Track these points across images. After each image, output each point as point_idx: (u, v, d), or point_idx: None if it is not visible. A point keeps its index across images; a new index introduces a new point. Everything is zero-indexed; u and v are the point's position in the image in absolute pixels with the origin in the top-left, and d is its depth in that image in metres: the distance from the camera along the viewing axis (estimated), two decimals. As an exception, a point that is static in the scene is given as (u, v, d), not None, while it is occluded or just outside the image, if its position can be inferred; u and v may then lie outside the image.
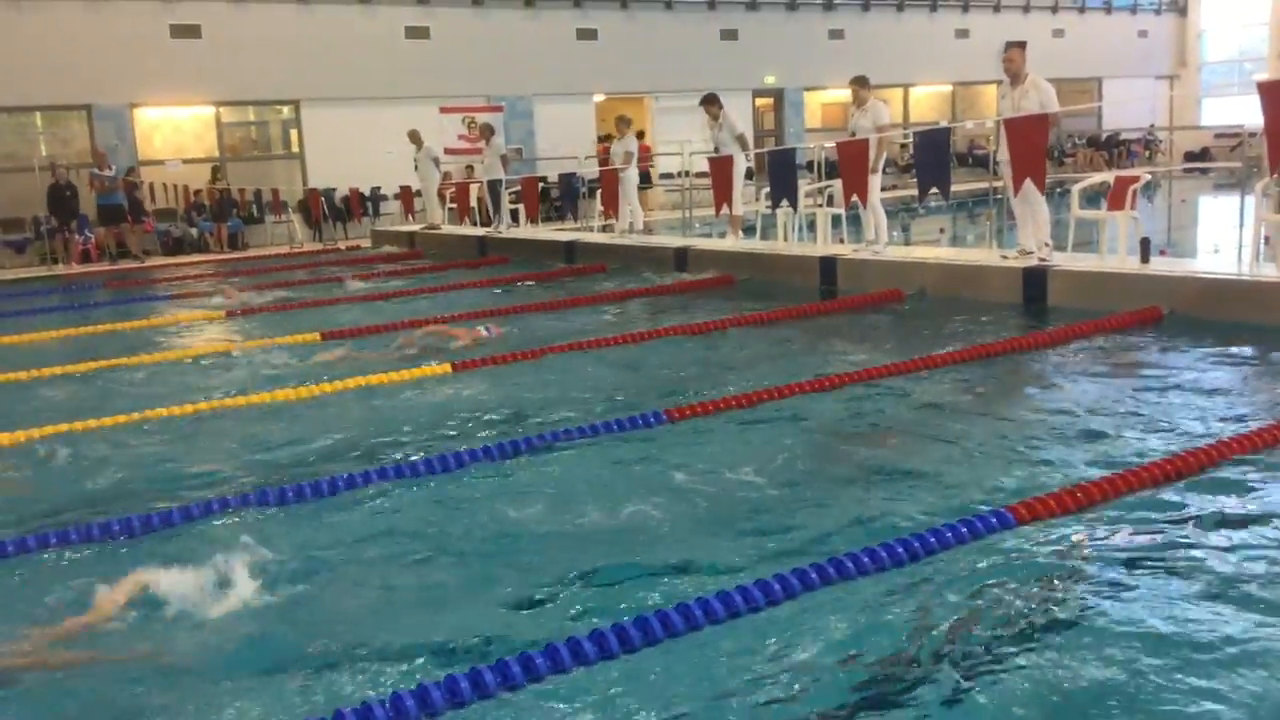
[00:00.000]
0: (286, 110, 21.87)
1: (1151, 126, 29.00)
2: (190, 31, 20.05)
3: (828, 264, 10.68)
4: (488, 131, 17.43)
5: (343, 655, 3.30)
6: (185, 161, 20.64)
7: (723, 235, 13.80)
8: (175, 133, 21.18)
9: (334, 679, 3.15)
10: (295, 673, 3.21)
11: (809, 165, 19.95)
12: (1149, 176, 9.97)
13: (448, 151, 20.67)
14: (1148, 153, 28.96)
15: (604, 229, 16.37)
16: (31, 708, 3.14)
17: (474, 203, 19.25)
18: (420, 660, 3.25)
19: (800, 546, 3.96)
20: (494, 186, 17.26)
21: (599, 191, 16.80)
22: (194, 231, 20.32)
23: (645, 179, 20.95)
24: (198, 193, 20.46)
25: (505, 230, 17.16)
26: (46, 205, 18.58)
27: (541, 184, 18.55)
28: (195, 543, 4.32)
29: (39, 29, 18.79)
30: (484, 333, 8.84)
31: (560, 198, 19.07)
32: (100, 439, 6.14)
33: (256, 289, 13.58)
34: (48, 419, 6.48)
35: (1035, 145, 8.78)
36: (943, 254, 11.02)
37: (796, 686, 2.95)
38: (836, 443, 5.43)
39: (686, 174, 17.76)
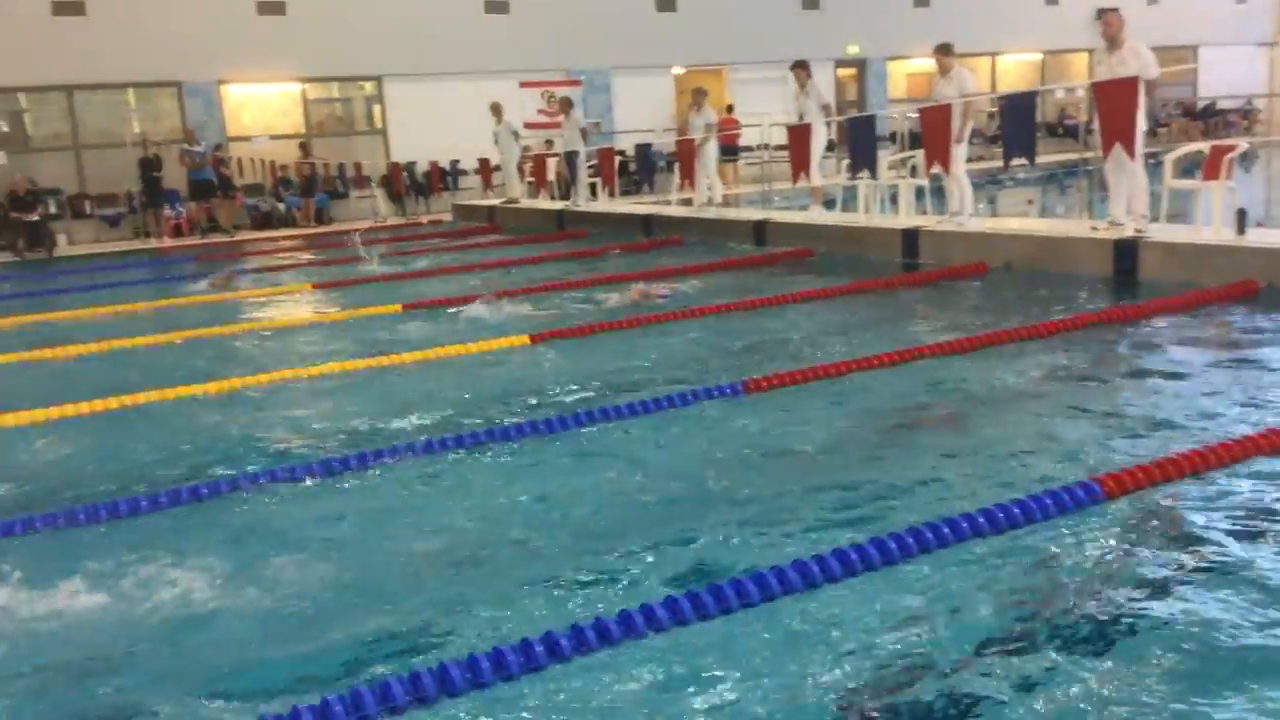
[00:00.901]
0: (370, 86, 22.13)
1: (1249, 97, 27.97)
2: (275, 8, 20.37)
3: (910, 236, 10.51)
4: (567, 105, 17.45)
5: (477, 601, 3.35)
6: (273, 138, 21.01)
7: (804, 208, 13.66)
8: (263, 109, 21.55)
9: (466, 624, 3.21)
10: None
11: (891, 136, 19.66)
12: (1246, 145, 9.59)
13: (527, 126, 20.77)
14: (1245, 122, 27.95)
15: (682, 202, 16.31)
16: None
17: (552, 176, 19.33)
18: (553, 605, 3.28)
19: (877, 516, 3.91)
20: (572, 159, 17.27)
21: (677, 164, 16.75)
22: (282, 206, 20.70)
23: (733, 151, 20.83)
24: (284, 168, 20.83)
25: (583, 204, 17.19)
26: (139, 181, 19.10)
27: (619, 157, 18.55)
28: (291, 503, 4.43)
29: (131, 7, 19.23)
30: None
31: (638, 171, 19.06)
32: (194, 406, 6.31)
33: (343, 263, 13.81)
34: (138, 386, 6.66)
35: (1126, 110, 8.51)
36: (1030, 225, 10.77)
37: (866, 661, 2.93)
38: (917, 416, 5.34)
39: (765, 146, 17.59)
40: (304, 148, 20.83)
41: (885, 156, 12.98)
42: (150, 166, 18.95)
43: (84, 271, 14.93)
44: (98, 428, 6.01)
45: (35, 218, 17.90)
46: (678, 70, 24.39)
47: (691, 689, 2.82)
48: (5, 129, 19.94)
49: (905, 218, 11.65)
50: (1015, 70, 28.60)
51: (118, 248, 18.24)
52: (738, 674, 2.87)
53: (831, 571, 3.33)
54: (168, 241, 18.66)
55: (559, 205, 17.67)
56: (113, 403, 6.33)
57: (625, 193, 20.18)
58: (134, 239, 19.27)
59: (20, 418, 6.13)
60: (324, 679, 2.99)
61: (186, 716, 2.85)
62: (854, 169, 11.98)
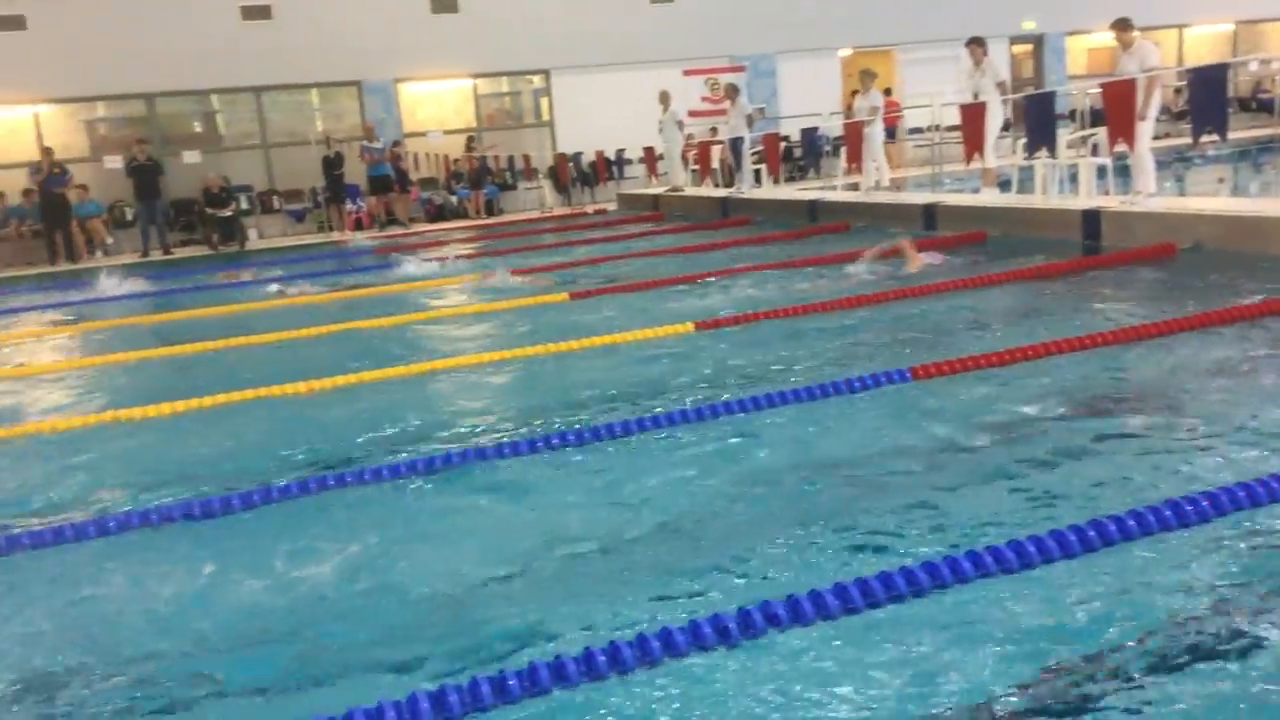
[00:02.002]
0: (538, 79, 22.54)
1: None
2: (449, 6, 20.95)
3: (1091, 217, 10.04)
4: (733, 92, 17.36)
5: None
6: (446, 133, 21.63)
7: (975, 191, 13.24)
8: (436, 105, 22.22)
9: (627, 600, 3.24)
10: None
11: (1070, 114, 18.86)
12: None
13: (691, 114, 20.78)
14: None
15: (849, 187, 16.03)
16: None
17: (715, 164, 19.28)
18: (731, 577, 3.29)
19: (1047, 507, 3.75)
20: (736, 145, 17.18)
21: (843, 149, 16.48)
22: (454, 199, 21.31)
23: (891, 134, 20.38)
24: (456, 161, 21.44)
25: (747, 191, 17.09)
26: (322, 177, 19.98)
27: (784, 142, 18.37)
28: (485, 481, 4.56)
29: (314, 10, 20.09)
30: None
31: (803, 156, 18.84)
32: (366, 392, 6.56)
33: (512, 252, 14.11)
34: (324, 372, 6.96)
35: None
36: (1222, 204, 10.15)
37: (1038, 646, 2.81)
38: (1097, 404, 5.10)
39: (936, 128, 17.12)
40: (470, 142, 21.37)
41: (1064, 135, 12.44)
42: (333, 164, 19.79)
43: (272, 264, 15.69)
44: (291, 410, 6.30)
45: (228, 213, 18.92)
46: (844, 52, 23.97)
47: (865, 675, 2.77)
48: (199, 129, 21.16)
49: (1086, 198, 11.14)
50: (1204, 42, 27.00)
51: (302, 241, 19.11)
52: (908, 662, 2.80)
53: (1008, 563, 3.21)
54: (348, 234, 19.45)
55: (723, 192, 17.61)
56: (301, 387, 6.62)
57: (790, 179, 19.99)
58: (317, 233, 20.16)
59: (218, 399, 6.48)
60: (468, 661, 3.06)
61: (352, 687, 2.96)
62: (1031, 148, 11.53)
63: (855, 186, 15.41)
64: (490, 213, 21.18)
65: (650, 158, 20.09)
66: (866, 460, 4.46)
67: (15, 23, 18.53)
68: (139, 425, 6.18)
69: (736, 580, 3.43)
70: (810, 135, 17.18)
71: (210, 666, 3.18)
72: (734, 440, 4.93)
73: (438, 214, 21.16)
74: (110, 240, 18.94)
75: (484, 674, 2.83)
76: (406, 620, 3.38)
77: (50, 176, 17.65)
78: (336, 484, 4.67)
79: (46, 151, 18.03)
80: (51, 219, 17.92)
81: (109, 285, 13.66)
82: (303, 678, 3.08)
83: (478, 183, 21.21)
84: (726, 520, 3.99)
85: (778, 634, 2.97)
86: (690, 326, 7.59)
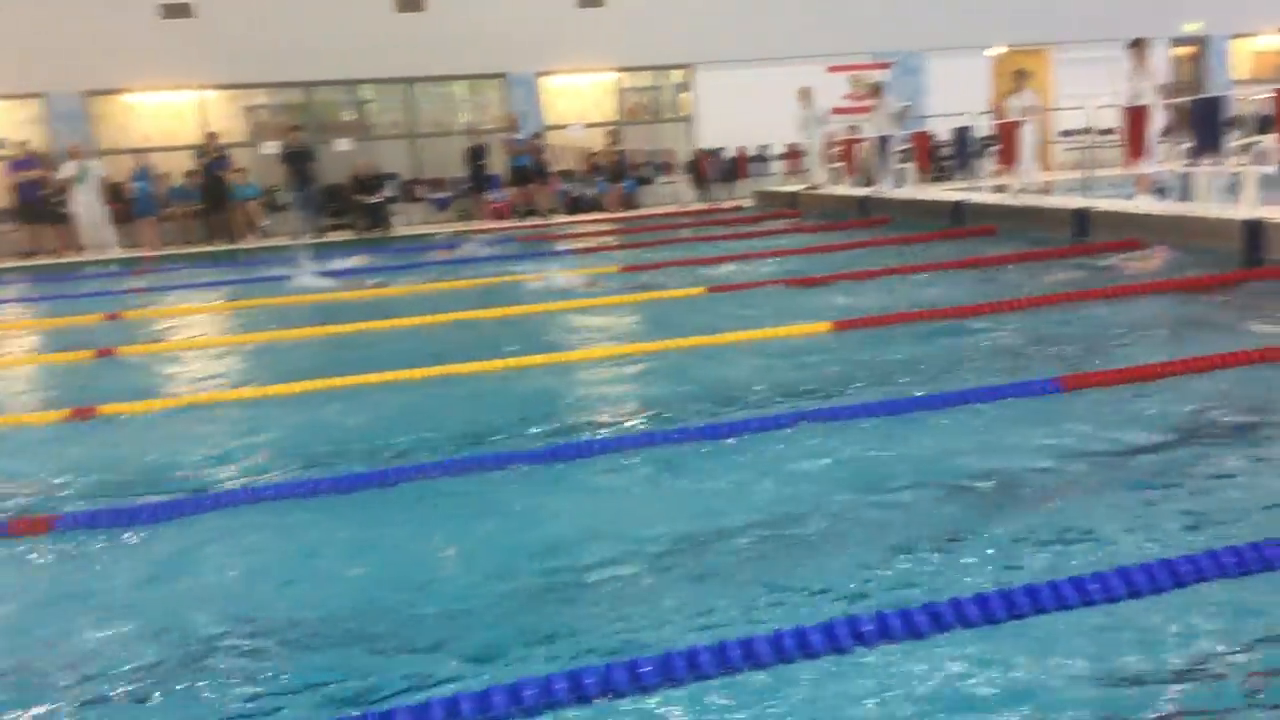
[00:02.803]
0: (680, 74, 22.59)
1: None
2: (593, 1, 21.14)
3: (1253, 228, 9.57)
4: (876, 90, 17.11)
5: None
6: (586, 125, 21.86)
7: (1129, 197, 12.76)
8: (578, 98, 22.47)
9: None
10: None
11: (1233, 120, 17.98)
12: None
13: (834, 111, 20.53)
14: None
15: (995, 189, 15.62)
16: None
17: (855, 162, 19.02)
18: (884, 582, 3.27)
19: (1209, 527, 3.60)
20: (883, 144, 16.89)
21: (991, 150, 16.07)
22: (592, 192, 21.53)
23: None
24: (595, 154, 21.64)
25: (889, 190, 16.81)
26: (466, 167, 20.43)
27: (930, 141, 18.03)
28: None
29: (463, 4, 20.52)
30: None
31: (950, 156, 18.44)
32: (500, 380, 6.69)
33: (648, 246, 14.21)
34: (462, 356, 7.13)
35: None
36: (1401, 218, 9.55)
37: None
38: (1257, 423, 4.86)
39: (1088, 130, 16.54)
40: (611, 134, 21.56)
41: (1227, 142, 11.88)
42: (476, 154, 20.21)
43: (416, 250, 16.11)
44: (432, 392, 6.48)
45: (376, 200, 19.49)
46: (996, 51, 23.36)
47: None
48: (350, 118, 21.85)
49: (1248, 208, 10.62)
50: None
51: (445, 228, 19.57)
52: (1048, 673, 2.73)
53: (1159, 582, 3.09)
54: (489, 224, 19.84)
55: (863, 191, 17.37)
56: (434, 370, 6.80)
57: (933, 179, 19.60)
58: (459, 221, 20.62)
59: (377, 377, 6.70)
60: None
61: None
62: (1196, 154, 11.05)
63: (1002, 189, 15.01)
64: (627, 206, 21.33)
65: (793, 155, 19.93)
66: (1008, 471, 4.35)
67: (183, 11, 19.42)
68: (295, 399, 6.44)
69: (862, 586, 3.38)
70: (962, 134, 16.79)
71: (342, 630, 3.29)
72: (870, 444, 4.86)
73: (575, 206, 21.41)
74: (266, 222, 19.70)
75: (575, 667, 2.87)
76: (529, 605, 3.44)
77: (213, 160, 18.46)
78: (465, 468, 4.77)
79: (210, 136, 18.86)
80: (212, 200, 18.75)
81: (271, 266, 14.23)
82: (425, 652, 3.16)
83: (616, 176, 21.38)
84: (858, 525, 3.94)
85: (915, 643, 2.92)
86: (827, 326, 7.51)
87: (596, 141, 21.80)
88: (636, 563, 3.69)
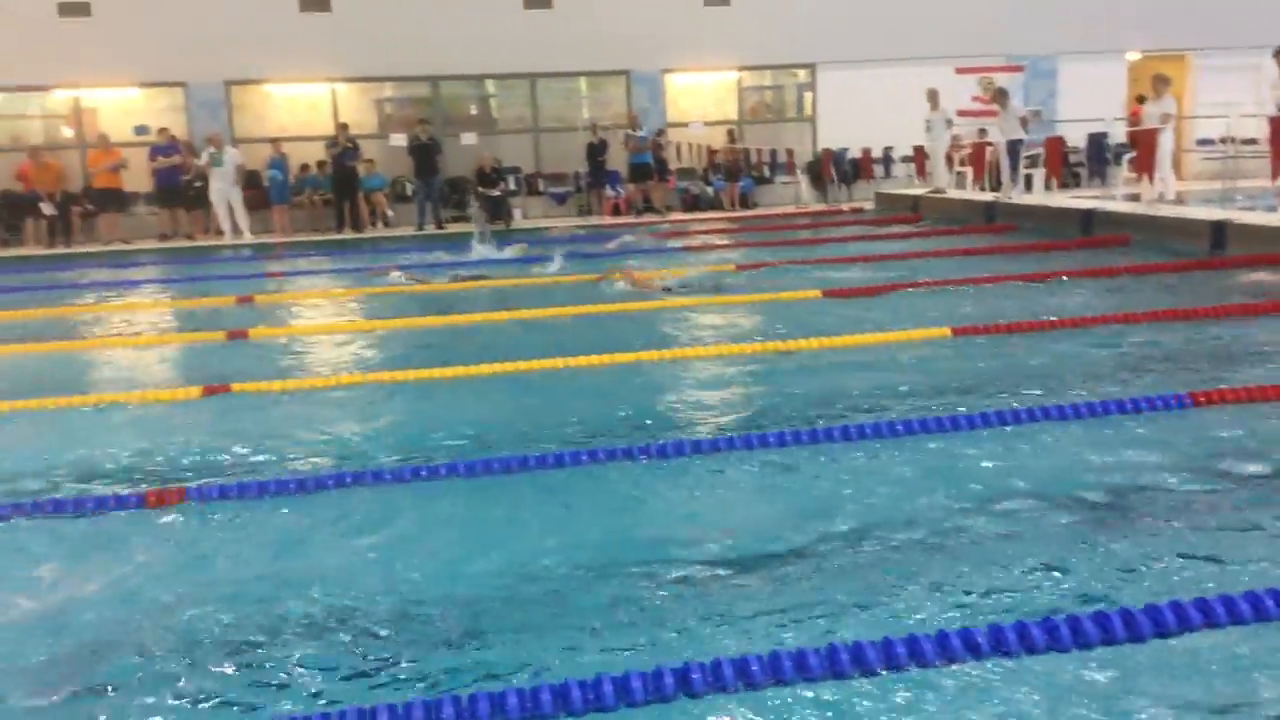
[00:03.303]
0: (803, 73, 22.42)
1: None
2: (719, 0, 21.12)
3: None
4: (1002, 96, 16.71)
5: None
6: (706, 124, 21.83)
7: (1271, 209, 12.23)
8: (699, 96, 22.46)
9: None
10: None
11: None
12: None
13: (960, 114, 20.10)
14: None
15: (1129, 198, 15.13)
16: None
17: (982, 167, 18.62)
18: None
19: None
20: (1014, 148, 16.47)
21: (1126, 158, 15.57)
22: (710, 190, 21.51)
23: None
24: (716, 152, 21.62)
25: (1015, 196, 16.41)
26: (586, 162, 20.61)
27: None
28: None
29: (585, 4, 20.69)
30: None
31: (1088, 162, 17.88)
32: (605, 376, 6.75)
33: (763, 246, 14.15)
34: (569, 350, 7.21)
35: None
36: None
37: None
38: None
39: (1230, 140, 15.91)
40: (731, 133, 21.49)
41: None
42: (597, 150, 20.37)
43: (535, 243, 16.32)
44: (530, 386, 6.57)
45: (497, 193, 19.80)
46: (1132, 56, 22.60)
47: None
48: (475, 112, 22.24)
49: (1403, 224, 10.09)
50: None
51: (562, 223, 19.79)
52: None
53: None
54: (607, 219, 19.97)
55: (988, 197, 16.99)
56: (551, 363, 6.88)
57: (1062, 186, 19.08)
58: (577, 216, 20.82)
59: (474, 370, 6.83)
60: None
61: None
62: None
63: (1136, 197, 14.54)
64: (745, 205, 21.25)
65: (920, 157, 19.58)
66: (1131, 489, 4.22)
67: (321, 4, 20.01)
68: (417, 386, 6.61)
69: (968, 599, 3.33)
70: (1099, 141, 16.27)
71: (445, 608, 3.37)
72: (987, 453, 4.76)
73: (693, 204, 21.41)
74: (391, 213, 20.18)
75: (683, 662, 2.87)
76: (633, 597, 3.46)
77: (344, 150, 18.98)
78: (576, 461, 4.83)
79: (342, 127, 19.40)
80: (342, 190, 19.28)
81: (396, 254, 14.58)
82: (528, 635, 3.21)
83: (734, 175, 21.32)
84: (970, 536, 3.87)
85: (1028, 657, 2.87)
86: (947, 331, 7.38)
87: (716, 140, 21.77)
88: (740, 561, 3.69)
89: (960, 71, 21.05)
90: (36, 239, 18.52)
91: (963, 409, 5.41)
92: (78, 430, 5.94)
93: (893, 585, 3.44)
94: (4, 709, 2.91)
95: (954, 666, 2.85)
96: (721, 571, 3.63)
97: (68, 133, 20.09)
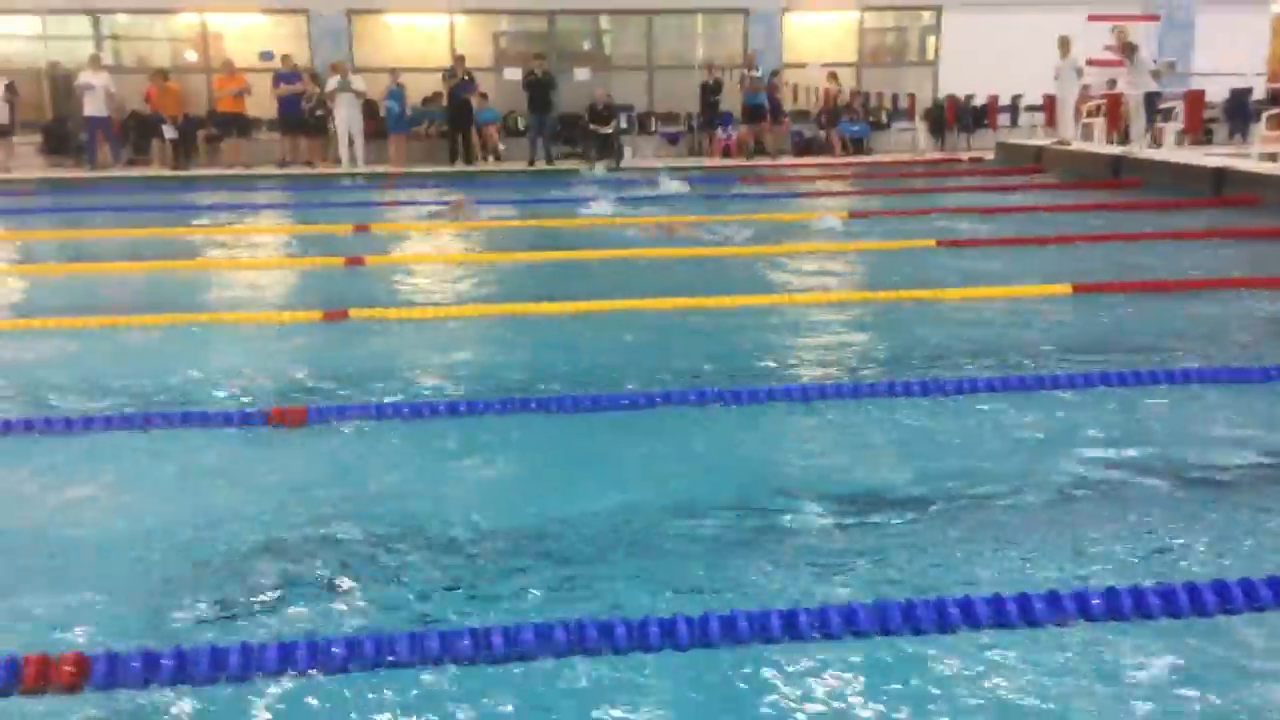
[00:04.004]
0: (927, 16, 21.79)
1: None
2: (845, -63, 20.61)
3: None
4: (1129, 50, 15.98)
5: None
6: (825, 66, 21.39)
7: None
8: (818, 37, 22.02)
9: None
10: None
11: None
12: None
13: (1090, 63, 19.34)
14: None
15: (1265, 157, 14.45)
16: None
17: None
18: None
19: None
20: (1148, 101, 15.78)
21: (1265, 115, 14.85)
22: (823, 134, 21.14)
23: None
24: (831, 96, 21.20)
25: (1143, 151, 15.78)
26: (699, 103, 20.41)
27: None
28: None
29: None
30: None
31: (1217, 118, 17.10)
32: (717, 318, 6.74)
33: (876, 194, 13.89)
34: (685, 290, 7.21)
35: None
36: None
37: None
38: None
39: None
40: (831, 76, 20.96)
41: None
42: (711, 90, 20.14)
43: (641, 184, 16.28)
44: (647, 324, 6.60)
45: (609, 131, 19.76)
46: (1277, 8, 21.45)
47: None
48: (589, 48, 22.15)
49: None
50: None
51: (672, 163, 19.67)
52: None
53: None
54: (716, 160, 19.80)
55: (1114, 150, 16.37)
56: (659, 302, 6.91)
57: (1196, 143, 18.29)
58: (687, 156, 20.68)
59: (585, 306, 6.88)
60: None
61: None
62: None
63: (1272, 157, 13.87)
64: (860, 151, 20.85)
65: (1050, 107, 18.86)
66: (1258, 460, 4.08)
67: (443, -65, 20.08)
68: (524, 320, 6.70)
69: (1063, 563, 3.27)
70: (1239, 97, 15.51)
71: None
72: (1107, 412, 4.65)
73: (806, 148, 21.08)
74: (503, 147, 20.30)
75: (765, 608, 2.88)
76: (722, 542, 3.48)
77: (460, 83, 19.11)
78: (675, 400, 4.85)
79: (459, 59, 19.52)
80: (456, 123, 19.44)
81: (509, 189, 14.69)
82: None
83: (850, 120, 20.88)
84: (1090, 498, 3.79)
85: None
86: (1068, 288, 7.18)
87: (832, 82, 21.34)
88: (828, 511, 3.68)
89: (1093, 19, 20.24)
90: (162, 160, 19.10)
91: (1082, 367, 5.28)
92: (203, 347, 6.16)
93: (1001, 542, 3.40)
94: (144, 611, 3.07)
95: (1064, 627, 2.82)
96: (828, 520, 3.62)
97: (192, 56, 20.60)
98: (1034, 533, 3.48)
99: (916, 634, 2.80)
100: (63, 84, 19.58)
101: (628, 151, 20.32)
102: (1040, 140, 18.62)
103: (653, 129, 21.33)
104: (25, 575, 3.29)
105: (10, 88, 18.21)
